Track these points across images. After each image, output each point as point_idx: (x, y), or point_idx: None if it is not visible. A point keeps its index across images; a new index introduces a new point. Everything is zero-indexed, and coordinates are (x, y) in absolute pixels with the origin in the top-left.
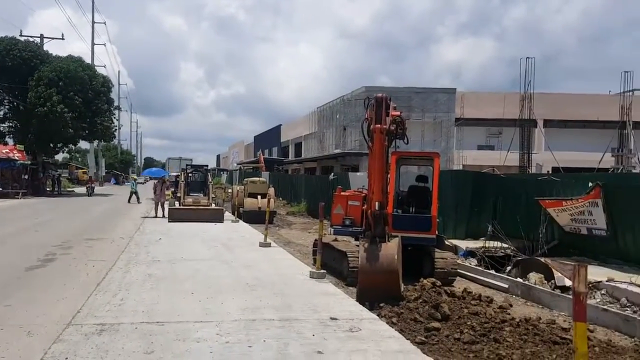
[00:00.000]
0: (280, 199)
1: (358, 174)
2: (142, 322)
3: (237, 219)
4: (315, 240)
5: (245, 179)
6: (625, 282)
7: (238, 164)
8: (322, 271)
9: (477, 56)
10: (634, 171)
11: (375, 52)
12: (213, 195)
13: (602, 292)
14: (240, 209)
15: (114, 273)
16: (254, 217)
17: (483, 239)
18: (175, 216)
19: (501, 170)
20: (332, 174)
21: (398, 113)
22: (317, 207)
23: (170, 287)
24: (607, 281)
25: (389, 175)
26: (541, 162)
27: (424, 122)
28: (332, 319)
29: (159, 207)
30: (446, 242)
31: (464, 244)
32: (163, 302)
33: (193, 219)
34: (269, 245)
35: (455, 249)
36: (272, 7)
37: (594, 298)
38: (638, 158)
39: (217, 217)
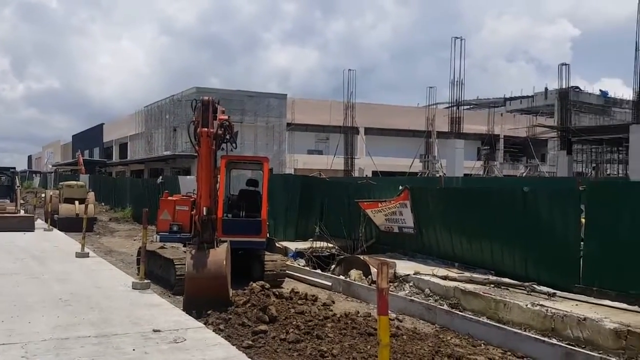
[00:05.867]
0: (103, 204)
1: (188, 177)
2: None
3: (51, 227)
4: (140, 248)
5: (61, 183)
6: (428, 275)
7: (53, 166)
8: (146, 281)
9: (303, 64)
10: (437, 175)
11: (203, 51)
12: (22, 201)
13: (410, 284)
14: (55, 215)
15: None
16: (70, 225)
17: (311, 239)
18: None
19: (329, 174)
20: (160, 177)
21: (226, 117)
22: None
23: None
24: (414, 274)
25: (218, 180)
26: (363, 166)
27: (257, 126)
28: (155, 331)
29: None
30: (276, 245)
31: (293, 246)
32: None
33: None
34: (86, 255)
35: (285, 251)
36: None
37: (404, 290)
38: (441, 164)
39: (26, 226)
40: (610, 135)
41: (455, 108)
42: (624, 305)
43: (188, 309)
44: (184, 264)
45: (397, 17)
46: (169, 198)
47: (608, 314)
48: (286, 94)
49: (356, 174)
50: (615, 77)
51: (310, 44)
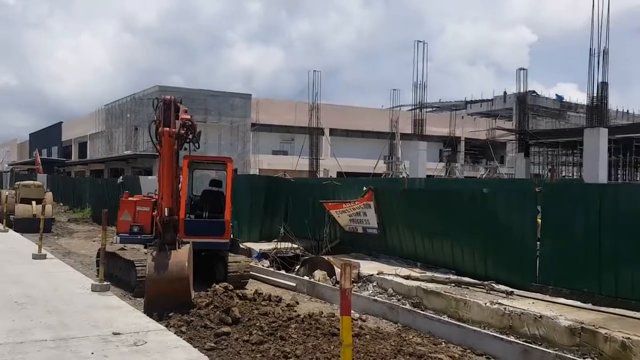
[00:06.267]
0: (61, 204)
1: (150, 177)
2: None
3: (7, 228)
4: (99, 249)
5: (18, 182)
6: (391, 274)
7: (10, 165)
8: (106, 283)
9: (268, 64)
10: (400, 176)
11: (166, 50)
12: None
13: (374, 284)
14: (11, 216)
15: None
16: (27, 226)
17: (276, 240)
18: None
19: (293, 174)
20: (121, 177)
21: (188, 116)
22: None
23: None
24: (377, 274)
25: (180, 180)
26: (328, 167)
27: (221, 126)
28: (115, 334)
29: None
30: (241, 246)
31: (257, 247)
32: None
33: None
34: (44, 257)
35: (249, 252)
36: None
37: (367, 290)
38: (404, 165)
39: None
40: (566, 138)
41: (418, 110)
42: (578, 303)
43: (149, 311)
44: (145, 266)
45: (361, 19)
46: (130, 198)
47: (563, 312)
48: (250, 94)
49: (321, 174)
50: (570, 82)
51: (275, 44)
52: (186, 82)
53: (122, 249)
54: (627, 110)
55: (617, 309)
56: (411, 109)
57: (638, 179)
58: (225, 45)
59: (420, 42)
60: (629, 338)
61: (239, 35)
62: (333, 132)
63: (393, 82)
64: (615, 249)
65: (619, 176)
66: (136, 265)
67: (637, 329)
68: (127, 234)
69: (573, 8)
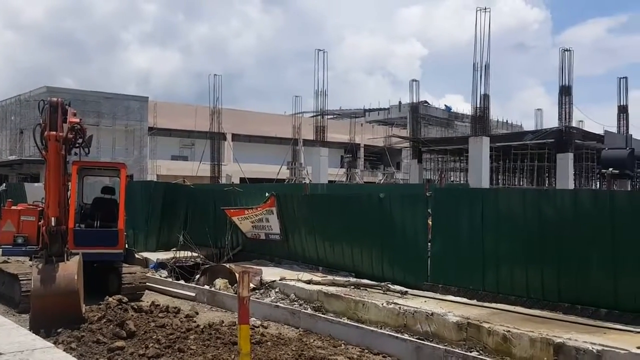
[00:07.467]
0: None
1: (37, 184)
2: None
3: None
4: None
5: None
6: (293, 280)
7: None
8: None
9: (165, 66)
10: (303, 182)
11: (55, 49)
12: None
13: (276, 290)
14: None
15: None
16: None
17: (174, 249)
18: None
19: (194, 180)
20: (4, 184)
21: (77, 120)
22: None
23: None
24: (280, 280)
25: (69, 187)
26: (230, 173)
27: (115, 130)
28: None
29: None
30: (136, 256)
31: (155, 256)
32: None
33: None
34: None
35: (145, 262)
36: None
37: (270, 296)
38: (307, 171)
39: None
40: (453, 146)
41: (319, 117)
42: (465, 300)
43: (35, 328)
44: (30, 280)
45: (262, 25)
46: (13, 207)
47: (451, 309)
48: (147, 97)
49: (223, 180)
50: (457, 94)
51: (172, 47)
52: (78, 84)
53: (5, 261)
54: (507, 120)
55: (499, 304)
56: (313, 116)
57: (516, 183)
58: (120, 46)
59: (321, 50)
60: (509, 331)
61: (133, 36)
62: (235, 137)
63: (295, 88)
64: (495, 248)
65: (499, 181)
66: (20, 279)
67: (516, 323)
68: (10, 246)
69: (459, 25)
